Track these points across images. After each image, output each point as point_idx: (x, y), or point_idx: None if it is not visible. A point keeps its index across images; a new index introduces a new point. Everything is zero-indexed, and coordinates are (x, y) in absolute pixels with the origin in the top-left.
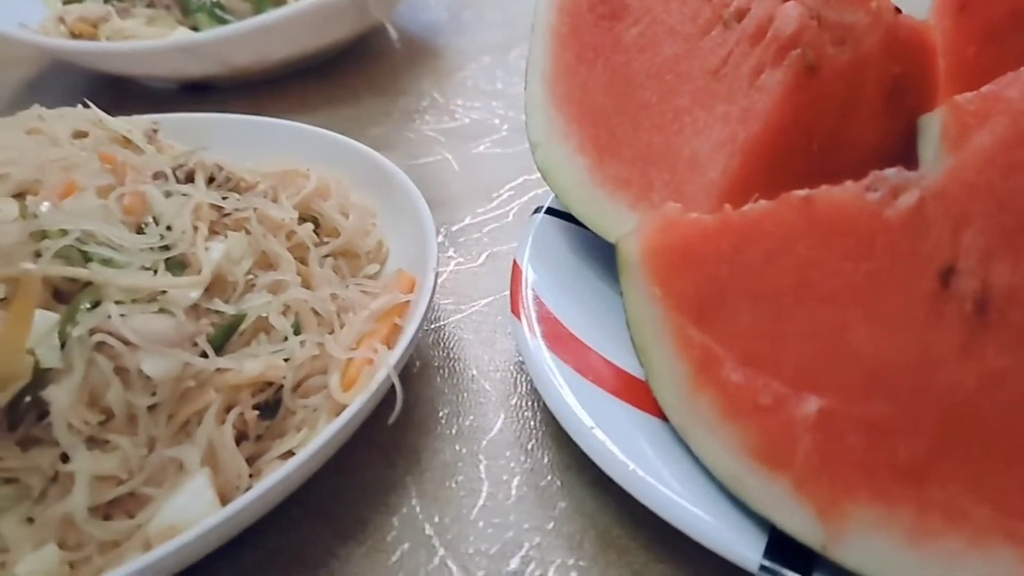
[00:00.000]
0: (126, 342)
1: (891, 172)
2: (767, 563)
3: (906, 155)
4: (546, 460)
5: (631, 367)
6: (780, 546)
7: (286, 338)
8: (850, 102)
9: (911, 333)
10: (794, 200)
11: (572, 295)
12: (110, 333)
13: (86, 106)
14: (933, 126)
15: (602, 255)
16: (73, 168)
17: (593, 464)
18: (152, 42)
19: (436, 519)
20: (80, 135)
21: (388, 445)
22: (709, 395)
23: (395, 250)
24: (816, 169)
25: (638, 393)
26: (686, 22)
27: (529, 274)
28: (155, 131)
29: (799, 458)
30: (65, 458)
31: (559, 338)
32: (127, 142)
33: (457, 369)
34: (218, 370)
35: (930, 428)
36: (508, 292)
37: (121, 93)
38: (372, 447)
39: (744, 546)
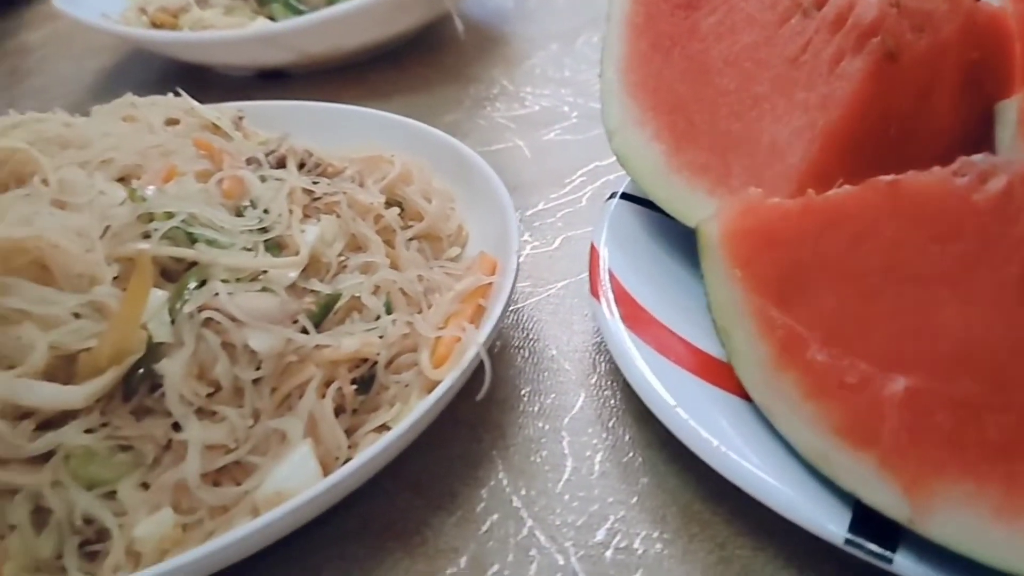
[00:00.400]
0: (233, 319)
1: (979, 158)
2: (852, 536)
3: (983, 140)
4: (627, 437)
5: (710, 347)
6: (865, 521)
7: (378, 317)
8: (928, 88)
9: (1000, 314)
10: (880, 184)
11: (649, 277)
12: (217, 310)
13: (176, 94)
14: (1010, 112)
15: (678, 239)
16: (171, 154)
17: (674, 441)
18: (233, 32)
19: (523, 492)
20: (172, 122)
21: (474, 421)
22: (792, 375)
23: (473, 234)
24: (893, 155)
25: (718, 372)
26: (765, 10)
27: (607, 257)
28: (241, 118)
29: (886, 435)
30: (176, 427)
31: (638, 319)
32: (216, 129)
33: (537, 349)
34: (317, 346)
35: (1019, 405)
36: (584, 275)
37: (198, 81)
38: (458, 423)
39: (829, 520)
